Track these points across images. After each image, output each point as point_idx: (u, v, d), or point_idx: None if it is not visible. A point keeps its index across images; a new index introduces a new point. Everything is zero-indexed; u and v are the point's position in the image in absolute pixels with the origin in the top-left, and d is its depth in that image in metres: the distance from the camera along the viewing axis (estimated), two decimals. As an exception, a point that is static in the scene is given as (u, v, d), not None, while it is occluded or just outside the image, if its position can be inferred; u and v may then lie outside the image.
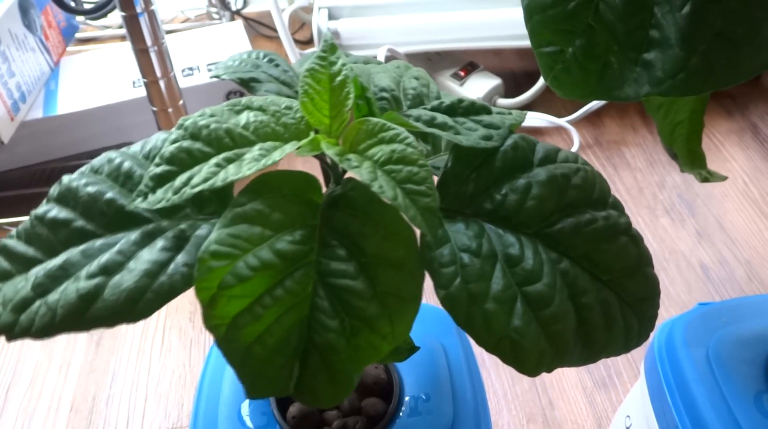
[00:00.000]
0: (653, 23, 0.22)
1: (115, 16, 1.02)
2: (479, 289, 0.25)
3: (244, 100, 0.25)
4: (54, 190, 0.27)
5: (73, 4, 0.72)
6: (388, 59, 0.81)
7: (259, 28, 1.06)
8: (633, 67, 0.23)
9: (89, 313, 0.23)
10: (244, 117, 0.24)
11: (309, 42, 1.04)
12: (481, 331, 0.25)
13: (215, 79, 0.78)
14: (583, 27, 0.24)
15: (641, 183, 0.78)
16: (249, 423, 0.35)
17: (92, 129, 0.76)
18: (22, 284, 0.25)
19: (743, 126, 0.85)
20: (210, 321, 0.21)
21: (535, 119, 0.84)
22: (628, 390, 0.57)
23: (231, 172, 0.22)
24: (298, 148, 0.24)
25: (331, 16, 0.85)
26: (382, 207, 0.23)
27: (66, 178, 0.27)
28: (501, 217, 0.27)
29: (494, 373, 0.59)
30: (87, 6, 0.72)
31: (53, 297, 0.24)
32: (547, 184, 0.27)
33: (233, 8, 1.06)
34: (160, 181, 0.23)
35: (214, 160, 0.23)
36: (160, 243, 0.24)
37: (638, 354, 0.59)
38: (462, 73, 0.88)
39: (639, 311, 0.30)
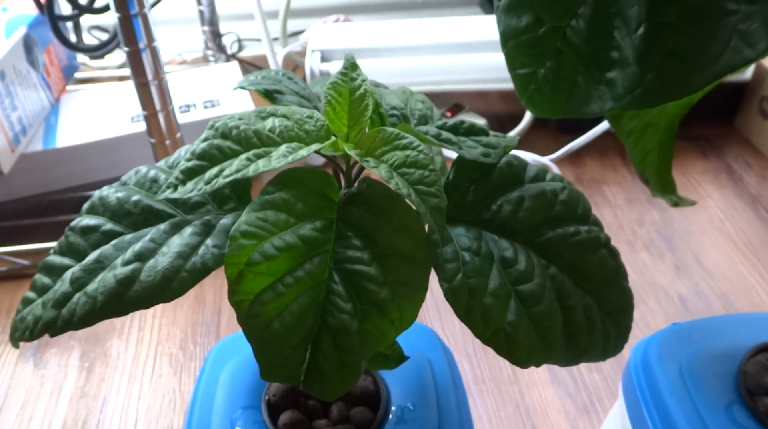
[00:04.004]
0: (613, 45, 0.24)
1: (114, 58, 1.06)
2: (478, 284, 0.27)
3: (269, 108, 0.27)
4: (85, 205, 0.29)
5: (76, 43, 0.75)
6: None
7: (254, 70, 1.10)
8: (597, 86, 0.26)
9: (127, 296, 0.25)
10: (270, 122, 0.27)
11: (302, 84, 1.07)
12: (479, 323, 0.27)
13: (209, 117, 0.81)
14: (552, 50, 0.26)
15: (621, 219, 0.81)
16: (241, 432, 0.36)
17: (90, 162, 0.78)
18: (58, 285, 0.26)
19: (718, 166, 0.89)
20: (236, 296, 0.23)
21: (519, 158, 0.88)
22: (610, 415, 0.58)
23: (261, 165, 0.25)
24: (322, 148, 0.26)
25: (323, 59, 0.89)
26: (395, 202, 0.26)
27: (96, 193, 0.29)
28: (496, 225, 0.30)
29: (479, 399, 0.60)
30: (91, 44, 0.75)
31: (92, 286, 0.25)
32: (537, 198, 0.30)
33: (229, 52, 1.10)
34: (191, 174, 0.25)
35: (244, 156, 0.25)
36: (189, 229, 0.27)
37: (619, 380, 0.60)
38: (449, 114, 0.91)
39: (616, 321, 0.32)
